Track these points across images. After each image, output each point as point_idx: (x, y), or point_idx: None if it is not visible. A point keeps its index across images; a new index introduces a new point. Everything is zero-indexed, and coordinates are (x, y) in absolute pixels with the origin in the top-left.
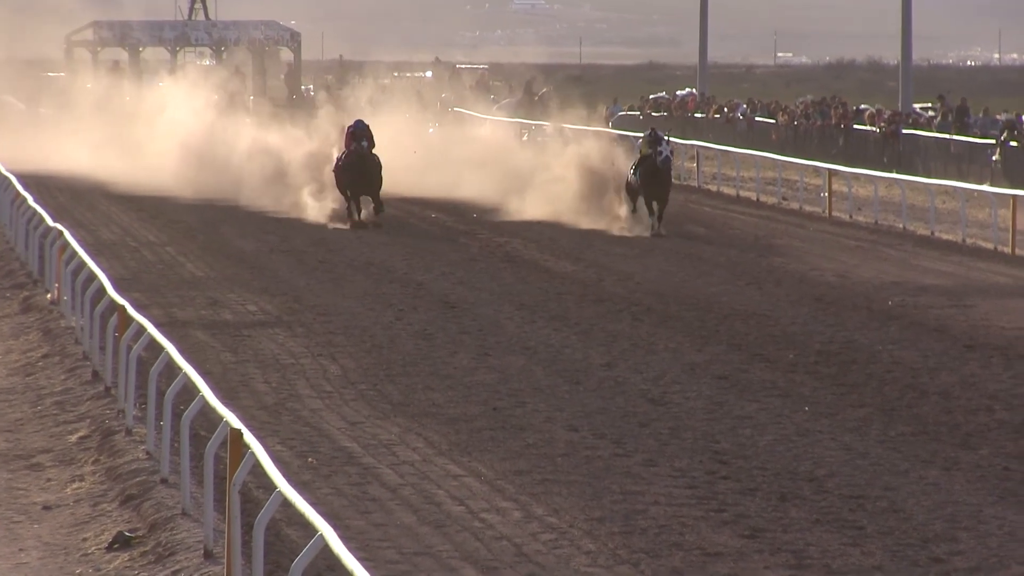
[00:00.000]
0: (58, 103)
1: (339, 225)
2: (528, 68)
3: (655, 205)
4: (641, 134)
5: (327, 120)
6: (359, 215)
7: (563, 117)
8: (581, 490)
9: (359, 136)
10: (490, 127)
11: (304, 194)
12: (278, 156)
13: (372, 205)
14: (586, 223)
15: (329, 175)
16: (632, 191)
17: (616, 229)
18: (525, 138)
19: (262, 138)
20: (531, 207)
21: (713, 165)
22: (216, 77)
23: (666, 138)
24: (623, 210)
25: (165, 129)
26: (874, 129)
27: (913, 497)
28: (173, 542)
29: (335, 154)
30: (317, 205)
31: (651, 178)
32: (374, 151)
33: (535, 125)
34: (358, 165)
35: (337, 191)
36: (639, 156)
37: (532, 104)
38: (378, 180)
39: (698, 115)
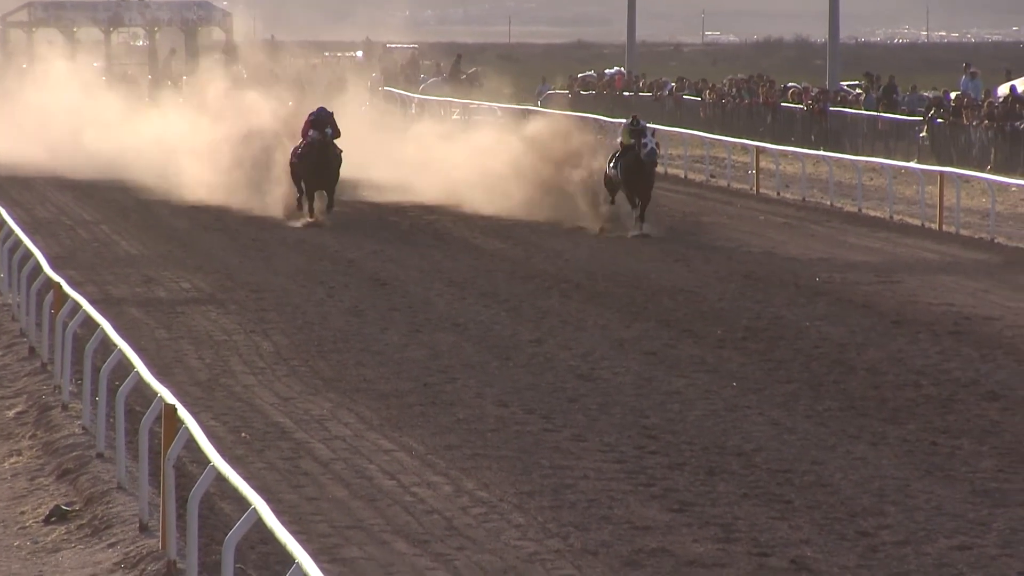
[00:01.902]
0: None
1: (293, 223)
2: (457, 47)
3: (637, 201)
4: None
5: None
6: (311, 213)
7: (489, 95)
8: (511, 465)
9: (321, 125)
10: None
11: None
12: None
13: (326, 201)
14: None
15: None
16: (611, 185)
17: (592, 226)
18: (456, 116)
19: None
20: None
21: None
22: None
23: (650, 127)
24: (603, 207)
25: (95, 111)
26: (801, 107)
27: (840, 471)
28: (109, 515)
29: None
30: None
31: (633, 172)
32: (336, 141)
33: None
34: (318, 156)
35: (292, 183)
36: (620, 146)
37: (459, 82)
38: (336, 174)
39: (626, 93)
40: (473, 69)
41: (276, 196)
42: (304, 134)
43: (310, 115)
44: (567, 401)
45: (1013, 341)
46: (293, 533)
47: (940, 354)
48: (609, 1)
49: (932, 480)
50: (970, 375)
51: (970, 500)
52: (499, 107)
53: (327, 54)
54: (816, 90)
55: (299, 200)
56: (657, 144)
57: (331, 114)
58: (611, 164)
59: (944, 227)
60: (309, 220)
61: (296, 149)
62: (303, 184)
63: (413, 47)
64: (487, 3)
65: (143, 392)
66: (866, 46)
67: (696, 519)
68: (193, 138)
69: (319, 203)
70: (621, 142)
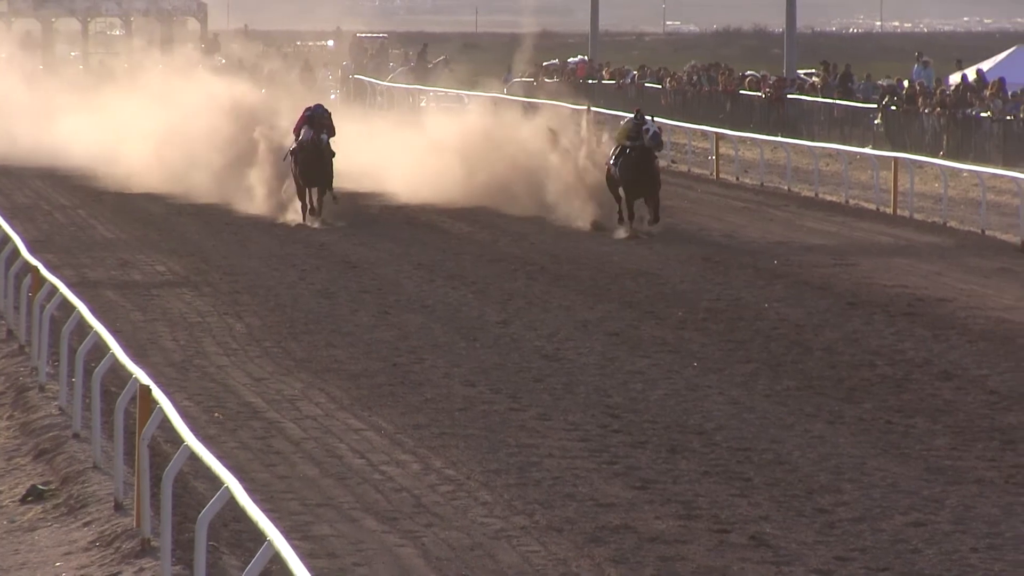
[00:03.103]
0: None
1: (291, 219)
2: (426, 36)
3: (645, 200)
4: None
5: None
6: (310, 209)
7: (457, 83)
8: (478, 443)
9: (316, 122)
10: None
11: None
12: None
13: (325, 198)
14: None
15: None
16: (614, 184)
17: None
18: (423, 104)
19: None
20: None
21: (604, 129)
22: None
23: (650, 118)
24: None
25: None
26: (760, 94)
27: (799, 449)
28: (85, 495)
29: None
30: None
31: (635, 169)
32: (333, 140)
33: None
34: (311, 155)
35: (293, 183)
36: (616, 142)
37: (426, 71)
38: (330, 173)
39: (590, 81)
40: (441, 57)
41: (233, 184)
42: (297, 130)
43: (305, 111)
44: (532, 381)
45: (965, 322)
46: (265, 511)
47: (895, 335)
48: None
49: (887, 458)
50: (924, 355)
51: (924, 477)
52: (466, 95)
53: (299, 43)
54: (774, 78)
55: (301, 201)
56: (659, 128)
57: (327, 112)
58: (611, 162)
59: (898, 211)
60: (301, 220)
61: (292, 150)
62: (300, 182)
63: (383, 36)
64: None
65: (118, 373)
66: (822, 35)
67: (658, 496)
68: (161, 125)
69: (314, 202)
70: (617, 139)
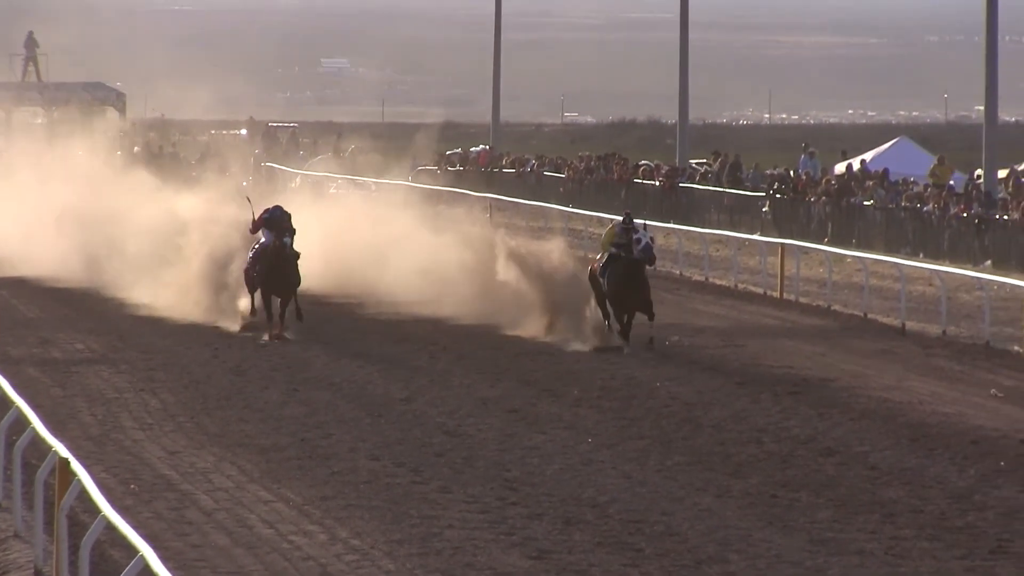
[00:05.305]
0: None
1: (249, 332)
2: (335, 126)
3: (634, 313)
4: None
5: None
6: (271, 323)
7: (366, 171)
8: (382, 514)
9: (276, 225)
10: None
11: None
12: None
13: (290, 307)
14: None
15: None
16: (601, 295)
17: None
18: (333, 190)
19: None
20: None
21: (505, 216)
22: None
23: (643, 223)
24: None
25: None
26: (654, 183)
27: (688, 522)
28: (5, 562)
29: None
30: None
31: (625, 280)
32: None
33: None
34: (273, 260)
35: (247, 289)
36: (608, 252)
37: (342, 159)
38: (295, 278)
39: (494, 170)
40: (353, 147)
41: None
42: (252, 231)
43: (264, 212)
44: (434, 455)
45: (848, 401)
46: None
47: (780, 413)
48: (474, 84)
49: (773, 530)
50: (808, 432)
51: (808, 548)
52: (373, 182)
53: (213, 132)
54: (667, 167)
55: (252, 308)
56: (652, 239)
57: (288, 214)
58: (600, 274)
59: (784, 295)
60: (274, 333)
61: (251, 254)
62: (260, 290)
63: (293, 126)
64: (362, 85)
65: (39, 446)
66: (713, 127)
67: (554, 566)
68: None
69: (277, 311)
70: (603, 244)
